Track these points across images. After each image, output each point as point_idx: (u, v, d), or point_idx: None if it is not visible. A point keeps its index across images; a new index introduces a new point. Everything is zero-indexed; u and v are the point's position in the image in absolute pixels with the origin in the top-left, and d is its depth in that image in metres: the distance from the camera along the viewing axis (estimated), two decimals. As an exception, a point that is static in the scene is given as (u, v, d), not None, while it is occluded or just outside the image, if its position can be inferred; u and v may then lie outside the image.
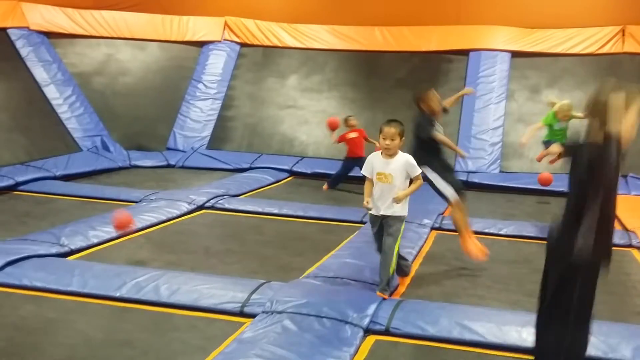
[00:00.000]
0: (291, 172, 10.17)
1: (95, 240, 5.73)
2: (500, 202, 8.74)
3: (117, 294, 4.42)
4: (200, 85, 11.79)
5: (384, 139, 4.47)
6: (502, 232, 6.67)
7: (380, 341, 3.93)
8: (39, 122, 10.03)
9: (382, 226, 4.60)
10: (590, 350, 3.34)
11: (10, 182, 7.97)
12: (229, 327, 4.04)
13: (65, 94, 10.71)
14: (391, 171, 4.48)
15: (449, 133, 10.56)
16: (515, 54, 11.32)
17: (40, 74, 10.65)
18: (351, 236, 6.21)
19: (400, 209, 4.55)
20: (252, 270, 5.28)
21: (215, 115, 11.56)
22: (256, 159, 10.56)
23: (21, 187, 8.01)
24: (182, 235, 6.38)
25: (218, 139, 11.35)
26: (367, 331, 3.98)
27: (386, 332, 3.99)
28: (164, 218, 6.73)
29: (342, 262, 5.27)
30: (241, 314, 4.22)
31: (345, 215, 7.16)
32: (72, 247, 5.44)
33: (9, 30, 10.71)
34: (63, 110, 10.51)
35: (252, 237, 6.36)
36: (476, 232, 5.88)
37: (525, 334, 3.80)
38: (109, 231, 5.96)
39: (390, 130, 4.46)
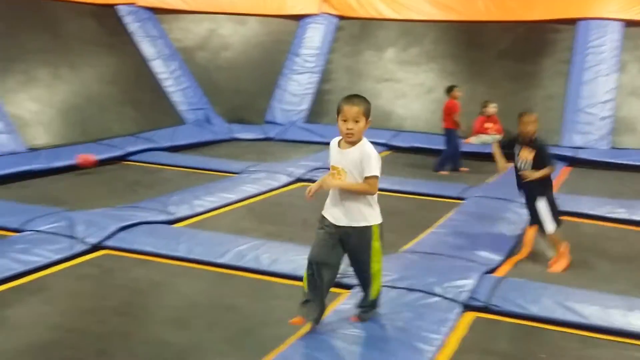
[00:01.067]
0: (388, 146, 10.11)
1: (200, 209, 5.97)
2: (610, 179, 8.32)
3: (220, 261, 4.59)
4: (298, 59, 11.90)
5: (343, 120, 3.28)
6: (610, 216, 6.28)
7: (479, 318, 3.87)
8: (146, 95, 10.50)
9: (341, 242, 3.47)
10: None
11: (121, 152, 8.43)
12: (328, 296, 4.11)
13: (170, 68, 11.13)
14: (345, 165, 3.34)
15: (554, 108, 10.25)
16: (629, 23, 10.64)
17: (147, 48, 11.10)
18: (450, 213, 6.12)
19: (369, 217, 3.40)
20: (349, 242, 5.31)
21: (313, 89, 11.65)
22: (353, 133, 10.55)
23: (131, 157, 8.45)
24: (281, 206, 6.52)
25: (315, 112, 11.45)
26: (466, 307, 3.93)
27: (485, 309, 3.93)
28: (263, 189, 6.91)
29: (440, 238, 5.22)
30: (339, 285, 4.27)
31: (444, 191, 7.06)
32: (179, 215, 5.69)
33: (117, 7, 11.21)
34: (169, 84, 10.94)
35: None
36: (582, 215, 5.65)
37: (632, 318, 3.63)
38: (212, 201, 6.20)
39: (353, 109, 3.26)
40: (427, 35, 11.70)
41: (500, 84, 10.87)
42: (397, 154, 9.89)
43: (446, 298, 3.93)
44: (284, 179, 7.33)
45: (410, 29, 11.82)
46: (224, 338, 3.50)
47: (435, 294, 3.97)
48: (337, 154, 3.41)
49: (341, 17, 12.30)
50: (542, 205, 4.93)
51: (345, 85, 11.64)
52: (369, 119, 3.36)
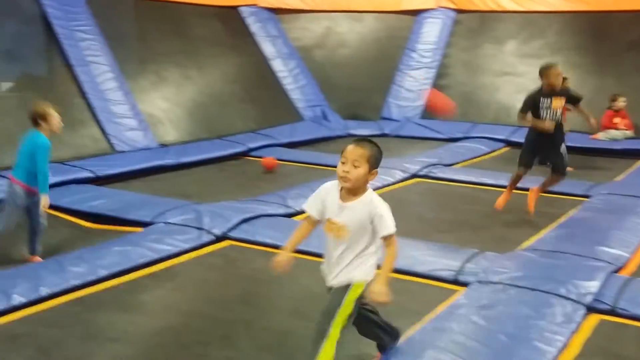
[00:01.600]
0: (507, 142, 9.82)
1: (317, 204, 6.11)
2: None
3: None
4: (414, 55, 11.83)
5: (342, 163, 2.84)
6: None
7: (605, 321, 3.71)
8: (267, 93, 10.86)
9: None
10: None
11: (244, 148, 8.79)
12: (442, 294, 4.10)
13: (289, 67, 11.45)
14: (347, 222, 2.87)
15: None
16: None
17: (267, 48, 11.48)
18: (573, 210, 5.89)
19: (360, 274, 2.94)
20: (466, 239, 5.26)
21: (429, 85, 11.53)
22: (470, 129, 10.38)
23: (252, 153, 8.79)
24: (396, 202, 6.48)
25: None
26: (590, 309, 3.78)
27: (612, 312, 3.76)
28: (378, 185, 6.94)
29: (563, 236, 5.04)
30: (455, 282, 4.25)
31: (568, 188, 6.77)
32: (297, 208, 5.87)
33: (240, 8, 11.67)
34: (288, 82, 11.26)
35: (466, 207, 6.32)
36: None
37: None
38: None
39: (355, 151, 2.82)
40: (551, 26, 11.24)
41: (629, 77, 10.24)
42: (517, 150, 9.56)
43: (569, 299, 3.81)
44: (399, 175, 7.35)
45: (532, 21, 11.40)
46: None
47: (558, 295, 3.85)
48: (336, 206, 2.90)
49: (459, 11, 12.09)
50: (564, 149, 5.90)
51: (462, 80, 11.44)
52: (375, 169, 2.88)
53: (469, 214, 6.09)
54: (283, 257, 3.01)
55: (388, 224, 2.86)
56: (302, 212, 5.86)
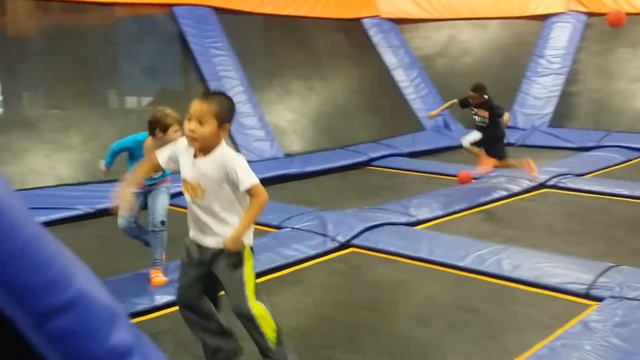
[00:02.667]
0: (646, 151, 9.24)
1: (439, 213, 6.08)
2: None
3: (461, 264, 4.64)
4: (542, 61, 11.43)
5: (188, 119, 2.68)
6: None
7: None
8: (388, 103, 10.93)
9: (208, 271, 2.87)
10: None
11: (365, 157, 8.89)
12: (573, 308, 3.95)
13: (411, 76, 11.45)
14: (200, 179, 2.72)
15: None
16: None
17: (389, 58, 11.55)
18: None
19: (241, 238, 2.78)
20: (599, 252, 5.02)
21: (558, 92, 11.09)
22: (604, 137, 9.85)
23: (374, 163, 8.87)
24: (523, 212, 6.36)
25: (561, 116, 10.89)
26: None
27: None
28: (504, 194, 6.80)
29: None
30: (587, 296, 4.08)
31: None
32: (419, 217, 5.87)
33: (363, 20, 11.84)
34: (409, 92, 11.26)
35: (599, 218, 6.03)
36: None
37: None
38: (451, 204, 6.29)
39: (200, 107, 2.66)
40: (694, 26, 10.47)
41: None
42: (656, 159, 9.00)
43: None
44: (526, 184, 7.13)
45: (673, 22, 10.68)
46: (466, 340, 3.56)
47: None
48: (189, 165, 2.74)
49: (590, 14, 11.55)
50: None
51: (594, 87, 10.91)
52: (226, 123, 2.71)
53: (602, 225, 5.80)
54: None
55: (244, 178, 2.69)
56: (426, 221, 5.87)
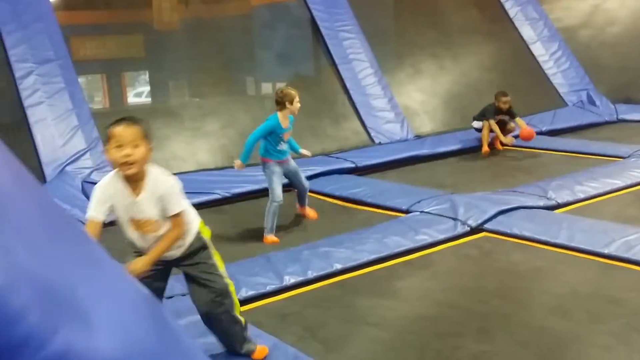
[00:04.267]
0: None
1: (582, 195, 5.70)
2: None
3: (605, 251, 4.33)
4: (702, 26, 10.31)
5: (117, 147, 2.55)
6: None
7: None
8: (526, 79, 10.38)
9: (165, 275, 2.90)
10: None
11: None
12: None
13: (551, 50, 10.79)
14: (149, 214, 2.66)
15: None
16: None
17: (527, 32, 10.95)
18: None
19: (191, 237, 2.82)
20: None
21: None
22: None
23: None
24: (678, 196, 5.81)
25: None
26: None
27: None
28: (652, 179, 6.24)
29: None
30: None
31: None
32: (559, 200, 5.54)
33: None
34: (549, 67, 10.62)
35: None
36: None
37: None
38: (595, 186, 5.88)
39: (129, 132, 2.56)
40: None
41: None
42: None
43: None
44: (682, 164, 6.50)
45: None
46: (608, 332, 3.31)
47: None
48: (129, 202, 2.64)
49: None
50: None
51: None
52: (150, 143, 2.65)
53: None
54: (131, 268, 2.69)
55: (177, 199, 2.67)
56: (566, 204, 5.53)
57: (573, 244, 4.51)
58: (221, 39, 8.74)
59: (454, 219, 5.07)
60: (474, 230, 4.97)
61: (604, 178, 6.10)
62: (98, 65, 9.17)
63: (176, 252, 2.82)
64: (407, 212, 5.48)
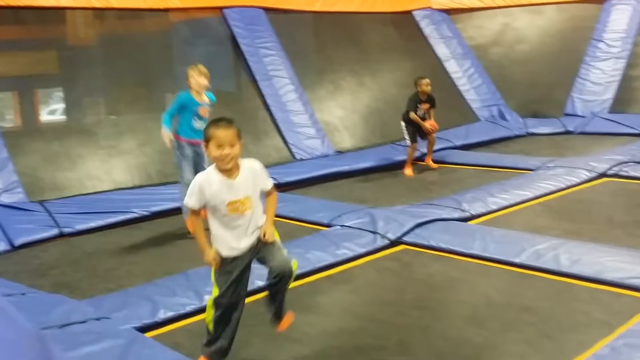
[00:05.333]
0: None
1: (494, 207, 5.92)
2: None
3: (517, 260, 4.50)
4: (601, 45, 11.00)
5: (219, 146, 2.98)
6: None
7: None
8: (441, 95, 10.66)
9: (248, 266, 3.18)
10: None
11: (417, 153, 8.71)
12: (636, 304, 3.77)
13: (464, 67, 11.22)
14: (245, 193, 3.06)
15: None
16: None
17: (441, 49, 11.35)
18: None
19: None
20: (665, 244, 4.78)
21: (619, 76, 10.67)
22: (669, 122, 9.42)
23: (425, 158, 8.72)
24: (582, 204, 6.13)
25: (622, 101, 10.47)
26: None
27: None
28: (562, 186, 6.57)
29: None
30: (649, 296, 3.89)
31: None
32: (473, 212, 5.73)
33: (414, 12, 11.66)
34: (462, 83, 11.04)
35: (665, 209, 5.75)
36: None
37: None
38: (507, 198, 6.12)
39: (228, 133, 2.99)
40: None
41: None
42: None
43: None
44: (585, 175, 6.87)
45: None
46: (522, 340, 3.44)
47: None
48: (226, 186, 3.02)
49: (652, -6, 11.04)
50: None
51: (660, 70, 10.43)
52: (241, 139, 3.08)
53: (668, 216, 5.53)
54: (211, 254, 3.10)
55: (267, 182, 3.17)
56: (480, 215, 5.72)
57: (486, 254, 4.68)
58: (139, 55, 8.57)
59: (374, 233, 5.15)
60: (393, 243, 5.07)
61: (515, 190, 6.36)
62: (9, 83, 8.78)
63: (253, 238, 3.12)
64: (328, 226, 5.53)
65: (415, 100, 8.15)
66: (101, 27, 8.81)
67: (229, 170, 3.03)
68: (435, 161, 8.42)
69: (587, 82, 10.84)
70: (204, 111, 5.43)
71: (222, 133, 2.98)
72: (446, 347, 3.41)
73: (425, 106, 8.15)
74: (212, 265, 3.11)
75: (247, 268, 3.16)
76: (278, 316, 3.35)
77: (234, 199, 3.03)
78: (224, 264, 3.12)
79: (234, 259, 3.10)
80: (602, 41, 11.01)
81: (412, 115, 8.08)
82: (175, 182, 6.75)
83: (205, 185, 3.02)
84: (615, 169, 7.06)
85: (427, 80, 8.18)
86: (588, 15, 11.42)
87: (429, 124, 8.09)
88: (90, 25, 8.69)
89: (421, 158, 8.49)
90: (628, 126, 9.62)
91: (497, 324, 3.65)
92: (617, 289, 4.00)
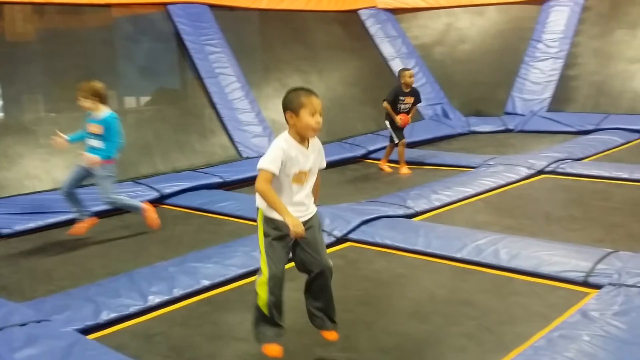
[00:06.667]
0: (643, 133, 9.21)
1: (437, 204, 6.05)
2: None
3: (459, 255, 4.62)
4: (540, 45, 11.35)
5: (312, 114, 2.99)
6: None
7: None
8: (386, 94, 10.84)
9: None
10: None
11: (363, 151, 8.85)
12: (571, 297, 3.92)
13: (409, 66, 11.36)
14: (312, 164, 3.12)
15: None
16: None
17: (386, 49, 11.50)
18: None
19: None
20: (597, 238, 4.98)
21: (557, 76, 11.02)
22: (603, 120, 9.80)
23: (372, 155, 8.84)
24: (521, 200, 6.33)
25: (560, 100, 10.82)
26: None
27: None
28: (502, 182, 6.76)
29: None
30: (585, 283, 4.05)
31: None
32: (417, 209, 5.84)
33: (360, 11, 11.77)
34: (408, 82, 11.20)
35: (597, 203, 5.98)
36: None
37: None
38: (449, 195, 6.26)
39: (319, 101, 3.03)
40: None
41: None
42: (656, 141, 8.95)
43: None
44: (525, 172, 7.09)
45: (671, 1, 10.58)
46: (463, 333, 3.53)
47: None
48: (303, 156, 3.04)
49: (588, -3, 11.46)
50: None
51: (593, 69, 10.83)
52: None
53: (601, 211, 5.76)
54: (299, 225, 2.98)
55: (323, 157, 3.21)
56: (424, 212, 5.84)
57: (430, 250, 4.78)
58: (80, 51, 8.37)
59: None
60: (340, 241, 5.12)
61: (457, 187, 6.52)
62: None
63: (308, 215, 3.13)
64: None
65: (396, 92, 7.75)
66: (41, 22, 8.56)
67: (305, 140, 3.04)
68: (379, 158, 8.52)
69: (526, 81, 11.17)
70: (92, 128, 5.32)
71: (317, 101, 2.99)
72: (390, 341, 3.47)
73: (410, 100, 7.80)
74: (302, 236, 2.99)
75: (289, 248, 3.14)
76: (329, 318, 3.27)
77: (303, 169, 3.05)
78: (283, 236, 3.07)
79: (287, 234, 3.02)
80: (541, 42, 11.35)
81: (385, 104, 7.73)
82: (119, 181, 6.65)
83: (287, 151, 2.98)
84: (553, 166, 7.30)
85: (411, 72, 7.81)
86: (527, 17, 11.76)
87: (399, 118, 7.71)
88: (29, 20, 8.43)
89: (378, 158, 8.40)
90: (565, 124, 9.97)
91: (439, 319, 3.73)
92: (553, 282, 4.15)
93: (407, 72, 7.75)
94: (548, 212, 5.83)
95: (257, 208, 3.12)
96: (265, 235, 3.09)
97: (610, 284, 3.88)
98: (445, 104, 11.16)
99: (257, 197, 3.08)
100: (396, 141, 7.83)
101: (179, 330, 3.68)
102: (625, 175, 6.74)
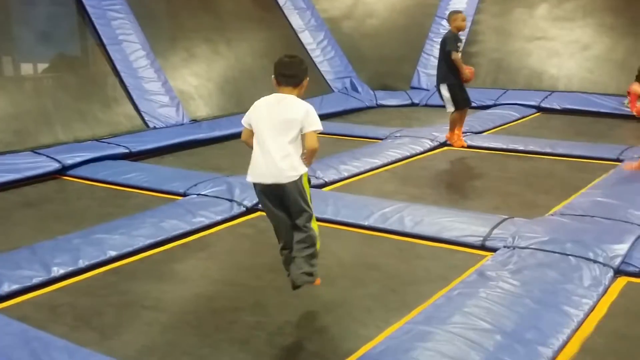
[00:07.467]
0: (539, 108, 9.73)
1: (346, 174, 6.18)
2: None
3: (366, 223, 4.76)
4: (444, 22, 11.65)
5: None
6: None
7: (633, 283, 3.72)
8: (295, 66, 10.89)
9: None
10: None
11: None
12: (469, 259, 4.15)
13: (317, 39, 11.44)
14: None
15: None
16: None
17: (296, 21, 11.47)
18: (604, 174, 5.83)
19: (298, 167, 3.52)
20: (494, 206, 5.28)
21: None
22: (501, 95, 10.28)
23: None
24: (425, 170, 6.57)
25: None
26: (618, 272, 3.79)
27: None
28: (407, 154, 6.98)
29: (593, 200, 5.00)
30: (482, 247, 4.29)
31: (599, 153, 6.72)
32: (326, 179, 5.94)
33: (268, -18, 11.65)
34: (316, 55, 11.26)
35: (495, 174, 6.31)
36: None
37: None
38: (358, 165, 6.40)
39: None
40: (584, -13, 10.99)
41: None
42: (548, 115, 9.50)
43: (597, 262, 3.80)
44: (428, 144, 7.35)
45: (565, -17, 11.16)
46: (369, 295, 3.67)
47: (586, 258, 3.85)
48: None
49: (489, -24, 11.87)
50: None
51: (493, 47, 11.29)
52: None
53: (498, 180, 6.08)
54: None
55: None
56: (333, 182, 5.94)
57: (338, 218, 4.89)
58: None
59: (230, 200, 5.19)
60: (250, 210, 5.14)
61: (365, 158, 6.67)
62: None
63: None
64: (184, 195, 5.48)
65: (456, 39, 6.77)
66: None
67: None
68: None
69: (431, 57, 11.47)
70: None
71: None
72: (299, 304, 3.56)
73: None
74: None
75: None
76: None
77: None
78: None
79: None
80: (444, 18, 11.67)
81: (455, 55, 6.74)
82: (16, 151, 6.36)
83: None
84: (455, 138, 7.61)
85: (463, 15, 6.89)
86: (433, -7, 12.07)
87: (468, 70, 6.86)
88: None
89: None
90: (467, 99, 10.35)
91: (347, 282, 3.86)
92: (453, 246, 4.37)
93: (460, 15, 6.87)
94: (449, 182, 6.10)
95: (300, 175, 3.41)
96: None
97: (505, 247, 4.14)
98: (353, 77, 11.32)
99: (291, 164, 3.41)
100: (461, 107, 7.01)
101: (86, 300, 3.61)
102: (521, 148, 7.13)
